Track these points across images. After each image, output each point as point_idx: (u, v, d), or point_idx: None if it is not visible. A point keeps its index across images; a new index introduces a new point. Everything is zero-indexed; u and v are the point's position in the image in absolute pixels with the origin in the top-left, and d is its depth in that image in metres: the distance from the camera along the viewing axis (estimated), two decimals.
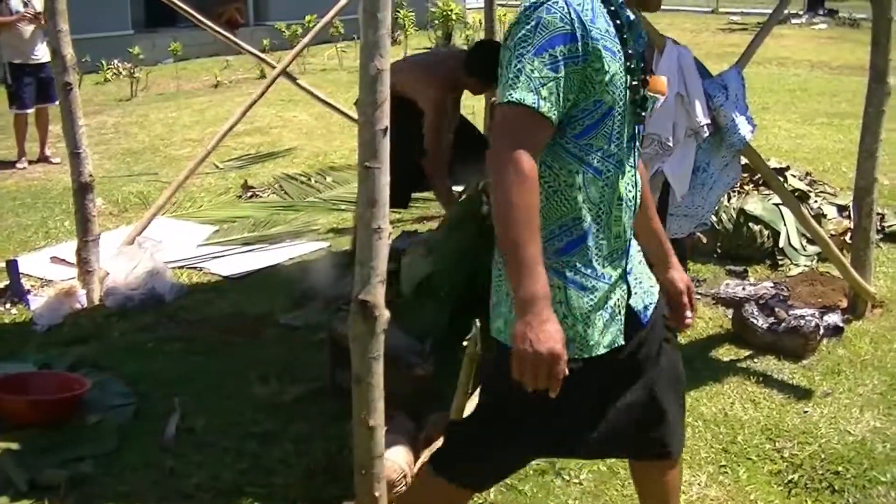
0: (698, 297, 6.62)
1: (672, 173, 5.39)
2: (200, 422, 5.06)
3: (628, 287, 3.05)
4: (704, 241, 7.23)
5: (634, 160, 3.03)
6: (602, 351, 2.98)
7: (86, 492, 4.45)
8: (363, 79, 3.61)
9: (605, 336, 2.99)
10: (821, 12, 28.62)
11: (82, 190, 6.57)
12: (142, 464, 4.69)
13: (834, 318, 6.15)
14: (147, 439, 4.90)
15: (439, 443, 3.93)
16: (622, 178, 2.94)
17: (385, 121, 3.62)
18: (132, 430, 5.00)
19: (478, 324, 3.50)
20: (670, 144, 5.34)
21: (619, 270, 3.01)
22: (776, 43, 21.23)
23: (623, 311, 3.03)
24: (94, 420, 5.04)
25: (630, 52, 2.89)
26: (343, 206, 8.95)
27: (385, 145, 3.64)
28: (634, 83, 2.90)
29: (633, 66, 2.89)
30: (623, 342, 3.03)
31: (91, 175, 6.60)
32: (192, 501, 4.39)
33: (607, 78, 2.80)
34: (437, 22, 22.01)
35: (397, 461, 4.24)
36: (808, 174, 8.87)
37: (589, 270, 2.93)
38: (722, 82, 5.56)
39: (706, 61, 6.10)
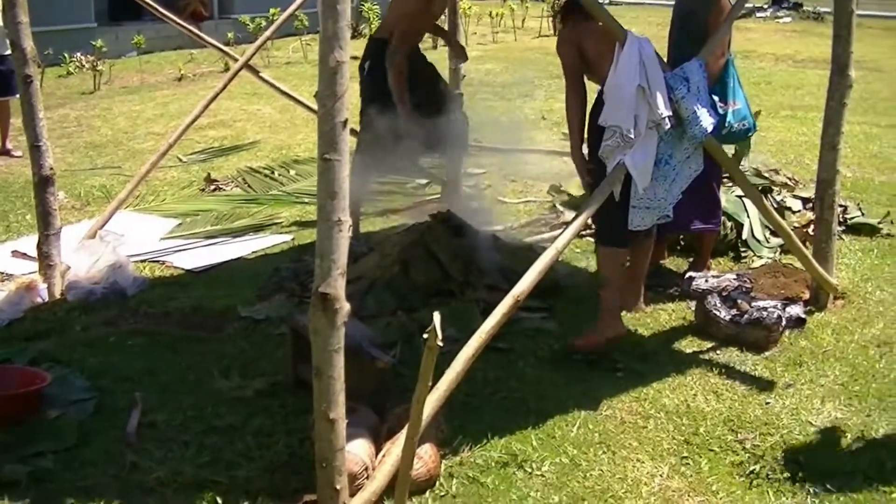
0: (660, 289, 6.65)
1: (634, 165, 5.39)
2: (162, 416, 5.03)
3: None
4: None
5: None
6: None
7: (46, 487, 4.42)
8: (322, 71, 3.60)
9: None
10: (785, 6, 28.72)
11: (43, 183, 6.52)
12: (103, 459, 4.66)
13: (796, 310, 6.17)
14: (108, 434, 4.87)
15: (403, 434, 3.93)
16: None
17: (345, 113, 3.61)
18: (93, 425, 4.97)
19: (437, 316, 3.49)
20: (632, 136, 5.34)
21: None
22: (741, 36, 21.28)
23: None
24: (55, 415, 5.00)
25: None
26: (306, 199, 8.90)
27: (345, 137, 3.63)
28: None
29: None
30: None
31: (52, 168, 6.55)
32: (154, 496, 4.37)
33: None
34: None
35: (359, 454, 4.23)
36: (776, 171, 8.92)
37: None
38: (683, 74, 5.56)
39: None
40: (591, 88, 5.83)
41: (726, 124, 6.14)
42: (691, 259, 7.10)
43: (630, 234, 5.84)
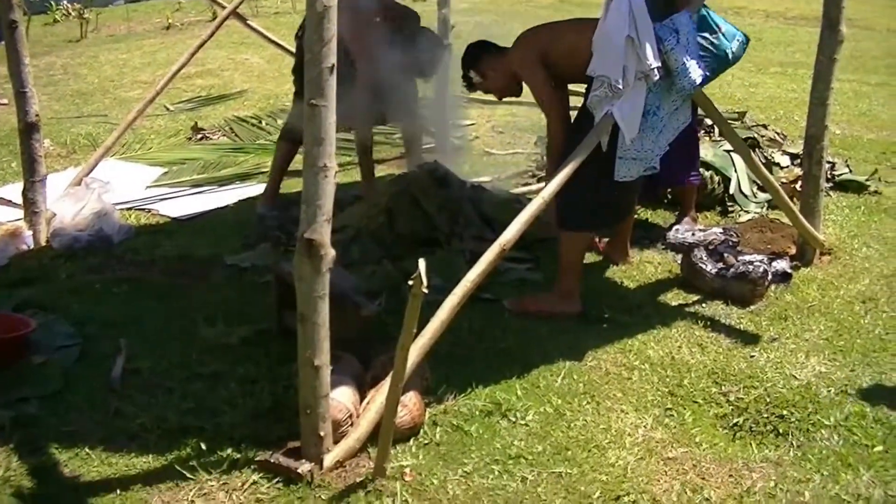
0: (647, 241, 6.66)
1: (621, 116, 5.36)
2: (146, 363, 5.03)
3: None
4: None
5: None
6: None
7: (30, 432, 4.42)
8: (310, 16, 3.58)
9: None
10: None
11: (28, 130, 6.48)
12: (87, 404, 4.66)
13: (782, 265, 6.17)
14: (92, 380, 4.87)
15: (387, 382, 3.93)
16: None
17: (332, 58, 3.59)
18: (77, 371, 4.97)
19: (422, 262, 3.48)
20: (620, 87, 5.30)
21: None
22: None
23: None
24: (39, 361, 5.00)
25: None
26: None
27: (331, 83, 3.61)
28: None
29: None
30: None
31: (38, 115, 6.51)
32: (137, 441, 4.37)
33: None
34: None
35: (343, 401, 4.23)
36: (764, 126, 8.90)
37: None
38: (673, 26, 5.52)
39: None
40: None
41: (727, 50, 6.09)
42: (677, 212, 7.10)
43: (594, 220, 5.83)
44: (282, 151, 7.21)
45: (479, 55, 6.27)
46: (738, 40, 6.01)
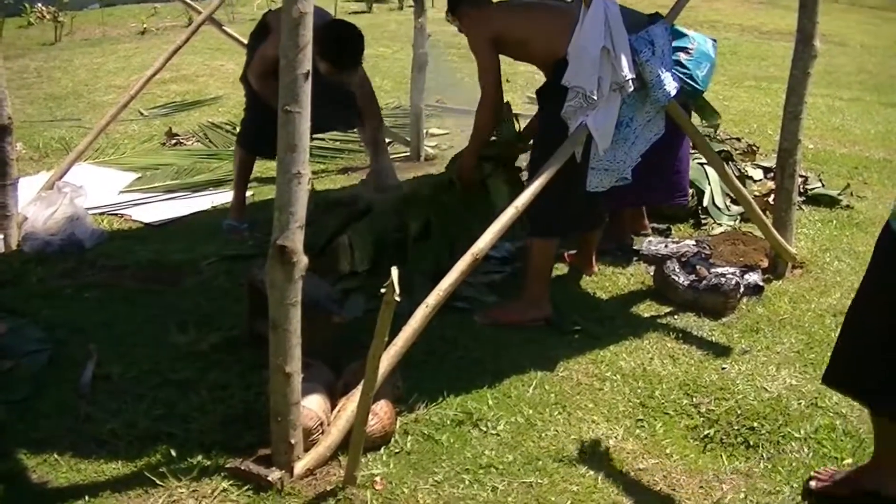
0: (620, 253, 6.67)
1: (595, 127, 5.37)
2: (117, 369, 5.00)
3: None
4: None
5: None
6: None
7: None
8: (285, 22, 3.58)
9: None
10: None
11: (0, 132, 6.44)
12: (56, 410, 4.64)
13: (754, 278, 6.20)
14: (62, 386, 4.85)
15: (358, 390, 3.93)
16: None
17: (307, 65, 3.59)
18: (47, 376, 4.94)
19: (395, 270, 3.47)
20: (594, 98, 5.32)
21: None
22: (708, 6, 21.36)
23: None
24: (8, 366, 4.97)
25: None
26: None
27: (306, 90, 3.61)
28: None
29: None
30: None
31: (10, 118, 6.46)
32: (107, 448, 4.34)
33: None
34: None
35: (314, 409, 4.22)
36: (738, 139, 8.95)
37: None
38: (648, 38, 5.55)
39: None
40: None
41: (706, 50, 6.15)
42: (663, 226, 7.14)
43: (564, 225, 5.82)
44: (240, 159, 7.14)
45: (460, 2, 5.99)
46: (709, 42, 6.07)
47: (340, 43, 6.32)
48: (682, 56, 6.00)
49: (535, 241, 5.76)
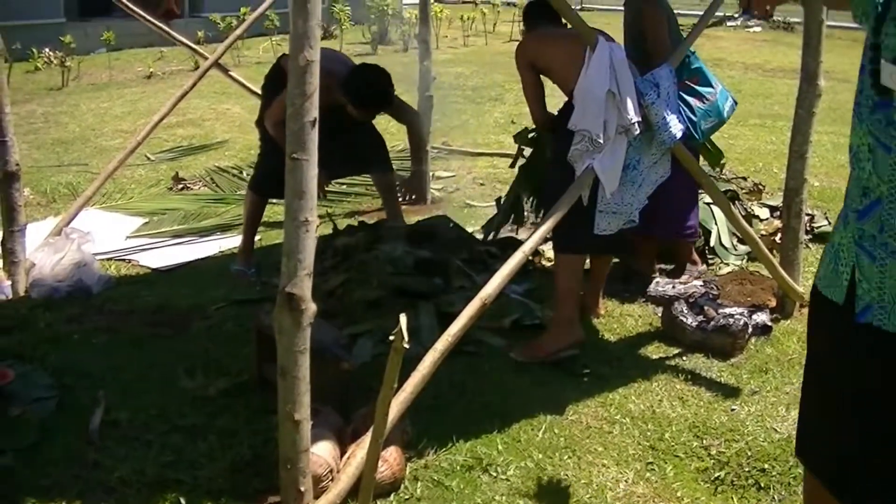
0: (628, 294, 6.67)
1: (602, 170, 5.39)
2: (125, 415, 4.99)
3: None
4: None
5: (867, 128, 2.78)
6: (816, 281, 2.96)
7: (6, 485, 4.37)
8: (292, 69, 3.59)
9: (821, 269, 2.96)
10: (755, 15, 28.82)
11: (8, 179, 6.46)
12: (64, 457, 4.62)
13: (762, 317, 6.19)
14: (70, 432, 4.83)
15: (368, 436, 3.91)
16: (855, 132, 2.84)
17: (314, 112, 3.59)
18: (55, 422, 4.92)
19: (403, 318, 3.47)
20: (601, 141, 5.34)
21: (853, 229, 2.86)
22: (712, 45, 21.43)
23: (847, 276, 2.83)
24: (17, 412, 4.94)
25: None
26: (273, 200, 8.87)
27: (313, 137, 3.61)
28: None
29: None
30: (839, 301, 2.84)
31: (18, 164, 6.49)
32: (116, 495, 4.32)
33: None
34: (372, 17, 21.94)
35: (323, 455, 4.20)
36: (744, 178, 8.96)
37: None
38: (653, 80, 5.58)
39: None
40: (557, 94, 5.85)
41: (721, 108, 6.20)
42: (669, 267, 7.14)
43: (589, 241, 5.81)
44: (251, 203, 7.18)
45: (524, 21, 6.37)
46: (729, 102, 6.13)
47: (369, 87, 6.55)
48: (694, 102, 6.05)
49: (561, 258, 5.80)
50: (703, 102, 6.11)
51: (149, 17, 8.31)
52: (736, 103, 6.39)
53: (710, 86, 6.18)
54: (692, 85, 6.13)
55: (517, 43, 6.21)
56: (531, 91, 5.97)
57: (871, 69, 2.68)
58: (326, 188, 7.31)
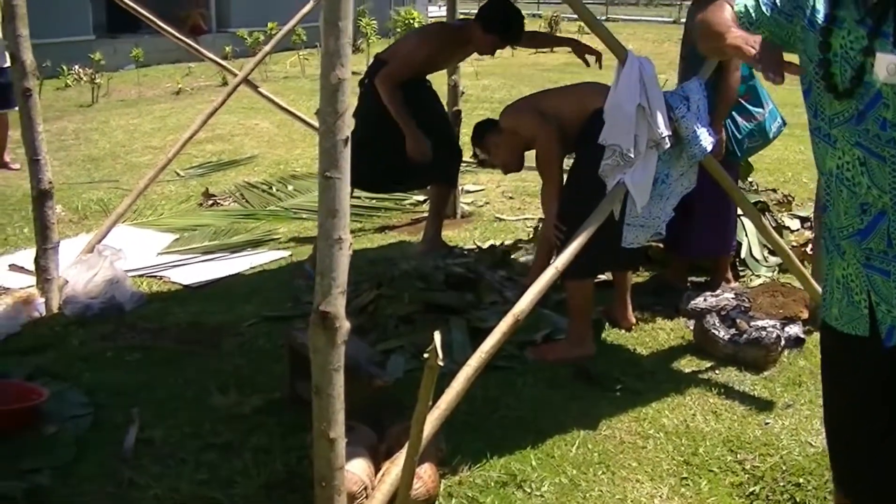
0: (659, 307, 6.65)
1: (633, 184, 5.39)
2: (159, 432, 5.01)
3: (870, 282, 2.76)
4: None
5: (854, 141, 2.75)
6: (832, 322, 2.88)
7: (43, 503, 4.39)
8: (324, 88, 3.59)
9: (833, 309, 2.87)
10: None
11: (41, 197, 6.51)
12: (99, 475, 4.64)
13: (795, 330, 6.16)
14: (105, 450, 4.85)
15: (402, 453, 3.91)
16: (830, 155, 2.82)
17: (346, 131, 3.60)
18: (90, 440, 4.95)
19: (438, 335, 3.47)
20: (631, 156, 5.34)
21: (857, 253, 2.78)
22: None
23: (865, 304, 2.77)
24: (52, 430, 4.98)
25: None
26: (304, 216, 8.92)
27: (346, 155, 3.62)
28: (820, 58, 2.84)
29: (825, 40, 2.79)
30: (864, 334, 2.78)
31: (51, 182, 6.54)
32: None
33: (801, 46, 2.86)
34: (398, 30, 22.01)
35: (358, 473, 4.21)
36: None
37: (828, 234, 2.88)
38: (683, 94, 5.57)
39: (668, 71, 6.11)
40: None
41: (768, 129, 6.23)
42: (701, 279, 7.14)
43: (592, 265, 5.81)
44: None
45: (483, 132, 6.44)
46: (777, 122, 6.13)
47: (507, 16, 6.92)
48: (741, 120, 6.08)
49: (567, 284, 5.84)
50: (750, 122, 6.14)
51: (176, 34, 8.36)
52: (784, 123, 6.40)
53: (761, 105, 6.20)
54: (743, 102, 6.16)
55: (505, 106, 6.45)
56: (555, 149, 6.06)
57: (823, 74, 2.80)
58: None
